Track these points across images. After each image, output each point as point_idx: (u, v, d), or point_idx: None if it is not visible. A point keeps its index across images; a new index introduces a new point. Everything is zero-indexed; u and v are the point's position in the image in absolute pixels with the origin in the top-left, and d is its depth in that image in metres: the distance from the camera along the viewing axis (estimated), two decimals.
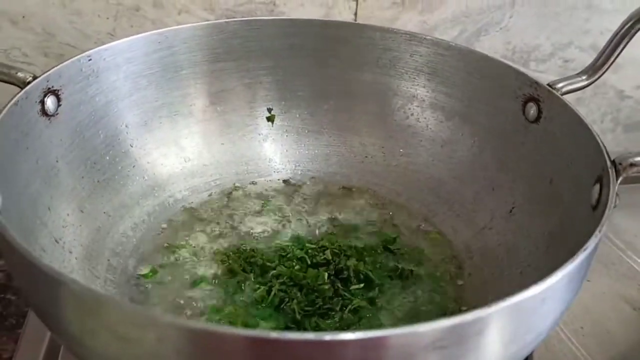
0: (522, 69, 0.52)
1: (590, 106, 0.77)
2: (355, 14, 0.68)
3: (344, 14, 0.67)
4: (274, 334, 0.27)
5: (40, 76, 0.45)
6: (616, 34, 0.48)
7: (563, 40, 0.73)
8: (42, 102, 0.45)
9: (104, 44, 0.61)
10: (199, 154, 0.58)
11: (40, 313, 0.35)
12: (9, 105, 0.41)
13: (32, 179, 0.43)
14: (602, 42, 0.49)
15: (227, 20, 0.58)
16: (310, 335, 0.27)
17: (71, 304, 0.31)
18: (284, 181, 0.59)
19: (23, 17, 0.62)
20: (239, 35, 0.57)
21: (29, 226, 0.41)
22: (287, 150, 0.61)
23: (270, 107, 0.60)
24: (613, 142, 0.80)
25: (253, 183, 0.58)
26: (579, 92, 0.50)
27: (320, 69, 0.59)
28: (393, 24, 0.68)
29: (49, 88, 0.45)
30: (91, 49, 0.51)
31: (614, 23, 0.49)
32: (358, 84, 0.59)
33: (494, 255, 0.50)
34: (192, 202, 0.56)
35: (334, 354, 0.27)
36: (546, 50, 0.73)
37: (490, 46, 0.71)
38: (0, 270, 0.59)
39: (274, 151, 0.60)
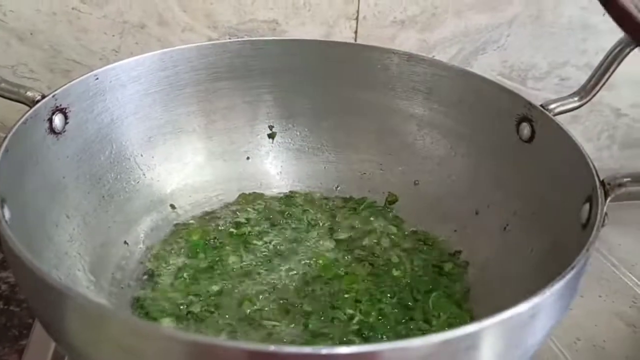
0: (516, 90, 0.54)
1: (587, 124, 0.78)
2: (356, 32, 0.69)
3: (344, 33, 0.69)
4: (272, 347, 0.28)
5: (48, 95, 0.46)
6: (607, 56, 0.49)
7: (559, 59, 0.74)
8: (50, 120, 0.46)
9: (109, 60, 0.62)
10: (202, 169, 0.59)
11: (45, 324, 0.36)
12: (18, 124, 0.42)
13: (39, 194, 0.44)
14: (597, 61, 0.50)
15: (230, 40, 0.60)
16: (307, 349, 0.28)
17: (76, 316, 0.32)
18: (285, 196, 0.60)
19: (31, 33, 0.63)
20: (241, 54, 0.58)
21: (35, 240, 0.42)
22: (287, 166, 0.62)
23: (272, 124, 0.62)
24: (610, 160, 0.81)
25: (254, 198, 0.59)
26: (575, 109, 0.51)
27: (320, 88, 0.60)
28: (392, 42, 0.69)
29: (57, 106, 0.46)
30: (96, 65, 0.52)
31: (609, 42, 0.50)
32: (357, 103, 0.60)
33: (487, 271, 0.51)
34: (194, 218, 0.57)
35: None
36: (543, 68, 0.74)
37: (488, 64, 0.73)
38: (4, 282, 0.59)
39: (274, 167, 0.62)
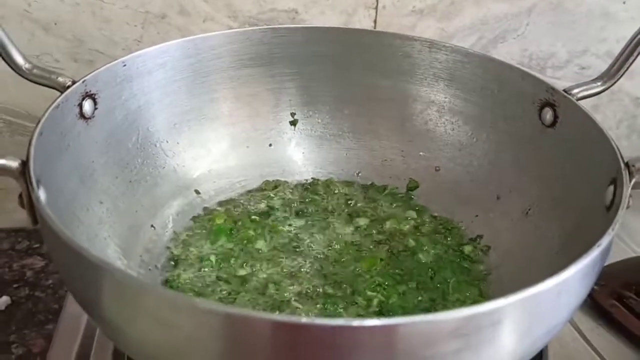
0: (538, 75, 0.54)
1: (606, 113, 0.78)
2: (375, 21, 0.69)
3: (363, 22, 0.69)
4: (305, 320, 0.29)
5: (78, 81, 0.47)
6: (631, 41, 0.49)
7: (579, 47, 0.74)
8: (80, 106, 0.47)
9: (131, 50, 0.63)
10: (225, 156, 0.60)
11: (82, 300, 0.37)
12: (50, 108, 0.43)
13: (70, 178, 0.45)
14: (617, 49, 0.50)
15: (253, 28, 0.60)
16: (339, 321, 0.29)
17: (114, 291, 0.33)
18: (307, 182, 0.61)
19: (55, 24, 0.64)
20: (264, 42, 0.59)
21: (67, 222, 0.42)
22: (309, 153, 0.63)
23: (294, 111, 0.62)
24: (629, 149, 0.80)
25: (276, 184, 0.60)
26: (594, 99, 0.51)
27: (341, 75, 0.61)
28: (412, 31, 0.69)
29: (87, 92, 0.48)
30: (119, 55, 0.53)
31: (629, 31, 0.50)
32: (378, 90, 0.61)
33: (509, 255, 0.51)
34: (218, 203, 0.58)
35: (360, 339, 0.29)
36: (562, 57, 0.74)
37: (508, 53, 0.73)
38: (29, 268, 0.61)
39: (296, 154, 0.62)
